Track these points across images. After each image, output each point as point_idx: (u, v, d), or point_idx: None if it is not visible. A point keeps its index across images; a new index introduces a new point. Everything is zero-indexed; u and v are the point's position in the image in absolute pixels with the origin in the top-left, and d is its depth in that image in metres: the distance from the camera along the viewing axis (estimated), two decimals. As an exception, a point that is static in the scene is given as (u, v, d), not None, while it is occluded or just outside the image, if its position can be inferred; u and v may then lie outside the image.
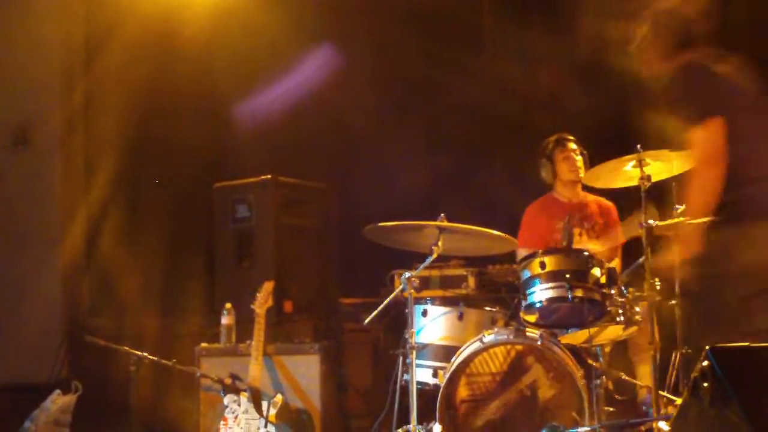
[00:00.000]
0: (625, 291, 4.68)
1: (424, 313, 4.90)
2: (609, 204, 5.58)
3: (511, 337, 4.59)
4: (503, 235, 4.69)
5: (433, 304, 4.96)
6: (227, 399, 5.07)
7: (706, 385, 2.91)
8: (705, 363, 2.92)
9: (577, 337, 4.69)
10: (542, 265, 4.61)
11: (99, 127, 7.37)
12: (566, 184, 5.53)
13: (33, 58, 7.26)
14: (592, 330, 4.57)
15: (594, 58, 6.40)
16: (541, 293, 4.61)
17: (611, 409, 4.75)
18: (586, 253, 4.64)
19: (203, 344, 5.53)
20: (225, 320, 5.57)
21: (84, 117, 7.44)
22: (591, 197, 5.57)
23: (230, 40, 7.32)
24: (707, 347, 2.96)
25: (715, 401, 2.87)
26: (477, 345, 4.58)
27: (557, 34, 6.77)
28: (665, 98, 4.06)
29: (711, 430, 2.92)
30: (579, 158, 5.50)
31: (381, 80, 7.20)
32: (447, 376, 4.56)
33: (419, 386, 4.62)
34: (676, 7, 4.16)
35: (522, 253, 5.19)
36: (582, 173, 5.46)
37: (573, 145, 5.52)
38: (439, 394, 4.52)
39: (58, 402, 5.45)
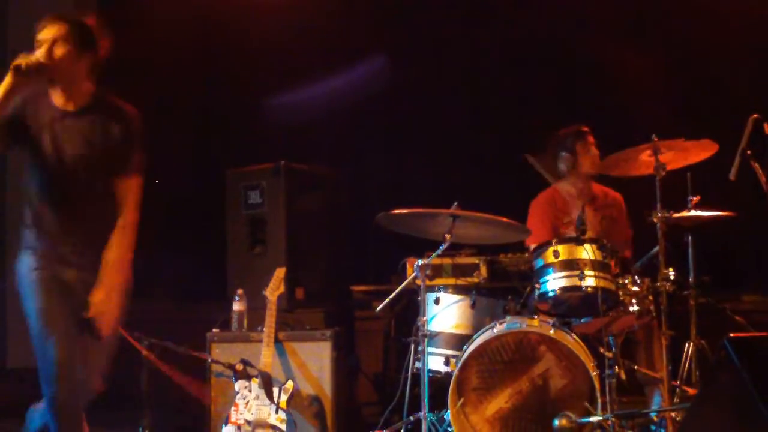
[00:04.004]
0: (638, 281, 4.67)
1: (437, 301, 4.89)
2: (617, 195, 5.54)
3: (524, 325, 4.58)
4: (517, 223, 4.68)
5: (445, 292, 4.95)
6: (238, 385, 5.07)
7: (723, 375, 2.90)
8: (722, 353, 2.91)
9: (590, 326, 4.67)
10: (556, 254, 4.61)
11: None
12: (582, 177, 5.45)
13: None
14: (605, 320, 4.55)
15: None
16: (554, 282, 4.60)
17: (623, 399, 4.74)
18: (600, 242, 4.62)
19: (215, 330, 5.53)
20: (236, 306, 5.57)
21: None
22: (598, 188, 5.52)
23: (244, 25, 7.31)
24: (724, 337, 2.95)
25: (732, 391, 2.86)
26: (489, 333, 4.57)
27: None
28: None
29: (728, 420, 2.90)
30: (596, 150, 5.42)
31: (393, 64, 7.19)
32: (459, 364, 4.55)
33: (431, 374, 4.62)
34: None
35: (532, 248, 5.14)
36: (599, 166, 5.40)
37: (592, 138, 5.42)
38: (451, 382, 4.51)
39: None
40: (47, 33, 3.74)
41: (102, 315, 3.77)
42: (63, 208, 3.81)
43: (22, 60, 3.63)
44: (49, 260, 3.79)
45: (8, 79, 3.61)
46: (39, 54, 3.69)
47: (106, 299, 3.78)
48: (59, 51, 3.72)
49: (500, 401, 4.57)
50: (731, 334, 2.94)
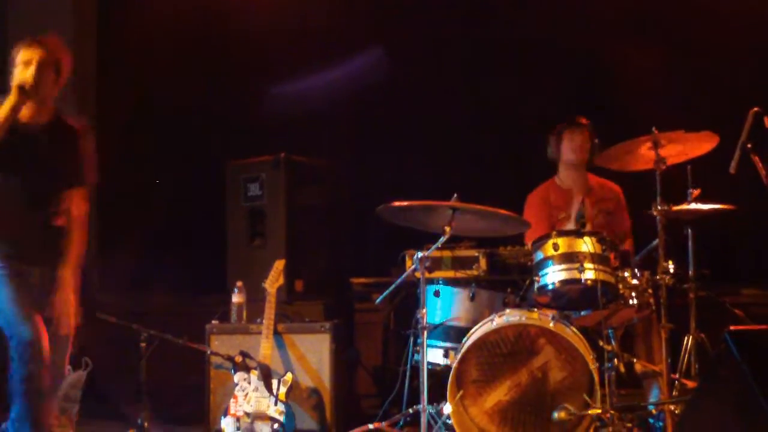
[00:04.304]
0: (638, 274, 4.66)
1: (436, 294, 4.89)
2: (616, 187, 5.52)
3: (523, 318, 4.57)
4: (516, 215, 4.67)
5: (445, 284, 4.95)
6: (237, 377, 5.07)
7: (723, 368, 2.90)
8: (722, 346, 2.90)
9: (589, 319, 4.67)
10: (555, 247, 4.60)
11: (111, 102, 7.35)
12: (568, 167, 5.44)
13: (44, 25, 7.21)
14: (605, 312, 4.55)
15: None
16: (553, 275, 4.60)
17: (622, 391, 4.74)
18: (599, 235, 4.62)
19: (214, 322, 5.53)
20: (236, 298, 5.57)
21: (96, 91, 7.42)
22: (596, 181, 5.51)
23: (247, 16, 7.29)
24: (725, 330, 2.94)
25: (732, 384, 2.86)
26: (488, 326, 4.57)
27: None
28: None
29: (728, 414, 2.90)
30: (583, 140, 5.38)
31: (394, 56, 7.17)
32: (458, 356, 4.55)
33: (430, 367, 4.62)
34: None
35: (530, 241, 5.13)
36: (583, 156, 5.38)
37: (583, 128, 5.41)
38: (450, 375, 4.51)
39: (68, 377, 5.45)
40: (29, 55, 4.15)
41: (63, 314, 4.15)
42: (31, 213, 4.20)
43: (23, 81, 4.07)
44: (13, 260, 4.15)
45: (13, 98, 4.05)
46: (31, 76, 4.10)
47: (66, 299, 4.16)
48: (44, 74, 4.15)
49: (499, 394, 4.57)
50: (732, 327, 2.94)
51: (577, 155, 5.37)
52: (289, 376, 5.07)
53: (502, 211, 4.53)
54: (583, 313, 4.65)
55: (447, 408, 4.47)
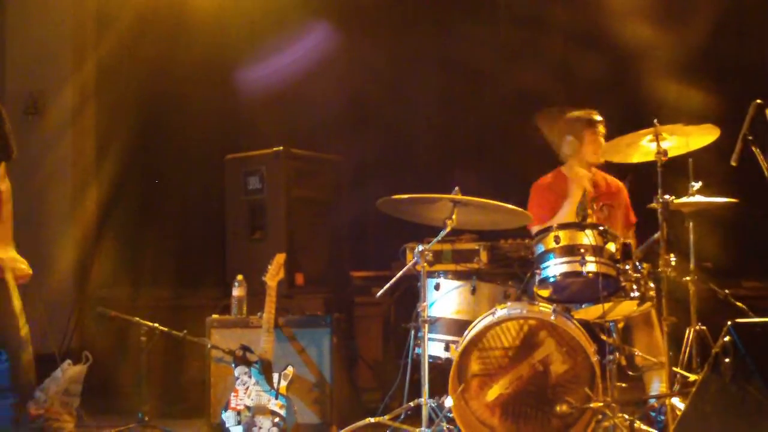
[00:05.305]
0: (639, 266, 4.65)
1: (437, 287, 4.88)
2: (618, 182, 5.50)
3: (524, 311, 4.56)
4: (518, 208, 4.66)
5: (445, 277, 4.94)
6: (238, 371, 5.06)
7: (727, 360, 2.89)
8: (726, 338, 2.90)
9: (590, 312, 4.66)
10: (557, 240, 4.58)
11: (110, 98, 7.35)
12: (583, 164, 5.41)
13: (45, 27, 7.22)
14: (606, 305, 4.54)
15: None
16: (555, 268, 4.58)
17: (624, 384, 4.73)
18: (601, 228, 4.60)
19: (214, 316, 5.52)
20: (236, 292, 5.56)
21: (95, 88, 7.42)
22: (601, 175, 5.49)
23: (241, 9, 7.27)
24: (729, 322, 2.94)
25: (736, 377, 2.85)
26: (489, 319, 4.56)
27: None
28: None
29: (731, 406, 2.89)
30: (602, 140, 5.35)
31: (394, 51, 7.16)
32: (459, 350, 4.54)
33: (431, 360, 4.61)
34: None
35: (535, 231, 5.12)
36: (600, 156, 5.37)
37: (602, 128, 5.36)
38: (451, 368, 4.50)
39: (68, 372, 5.45)
40: None
41: (15, 269, 4.33)
42: None
43: None
44: None
45: None
46: None
47: (14, 256, 4.33)
48: None
49: (500, 387, 4.56)
50: (736, 320, 2.93)
51: (599, 158, 5.31)
52: (289, 370, 5.06)
53: (503, 204, 4.52)
54: (584, 305, 4.64)
55: (448, 401, 4.46)
